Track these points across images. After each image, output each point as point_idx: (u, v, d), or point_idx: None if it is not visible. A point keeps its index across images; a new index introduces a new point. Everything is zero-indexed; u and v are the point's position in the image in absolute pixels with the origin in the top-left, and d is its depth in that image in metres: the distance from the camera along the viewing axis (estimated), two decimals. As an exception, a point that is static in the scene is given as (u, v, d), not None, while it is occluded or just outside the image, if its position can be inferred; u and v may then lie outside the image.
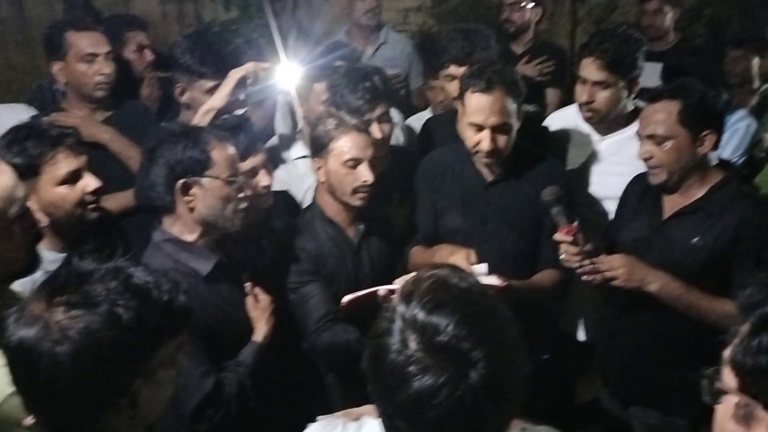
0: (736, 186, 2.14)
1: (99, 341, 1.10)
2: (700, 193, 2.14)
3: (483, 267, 2.12)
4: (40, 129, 1.99)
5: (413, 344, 1.01)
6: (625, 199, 2.39)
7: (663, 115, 2.10)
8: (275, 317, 2.05)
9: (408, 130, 3.39)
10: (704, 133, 2.08)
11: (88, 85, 2.66)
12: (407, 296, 1.07)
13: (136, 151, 2.58)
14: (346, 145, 2.19)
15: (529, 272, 2.25)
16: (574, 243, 2.11)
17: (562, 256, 2.15)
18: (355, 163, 2.20)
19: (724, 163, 2.27)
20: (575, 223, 2.11)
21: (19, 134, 1.96)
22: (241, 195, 1.95)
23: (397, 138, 3.12)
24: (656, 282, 2.09)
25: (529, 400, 1.06)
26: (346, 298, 1.92)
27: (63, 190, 1.97)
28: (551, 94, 3.58)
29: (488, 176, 2.39)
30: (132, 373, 1.14)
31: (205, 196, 1.89)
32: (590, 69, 2.47)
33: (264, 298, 2.05)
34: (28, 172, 1.86)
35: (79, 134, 2.07)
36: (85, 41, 2.64)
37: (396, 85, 3.53)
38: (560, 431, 1.27)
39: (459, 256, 2.17)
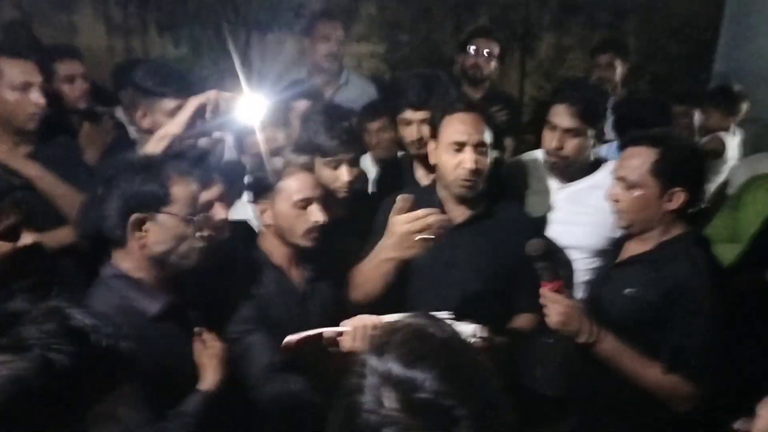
0: (687, 245, 2.07)
1: (28, 391, 0.96)
2: (654, 244, 2.09)
3: (472, 328, 1.98)
4: None
5: (389, 402, 0.93)
6: None
7: (638, 161, 2.06)
8: (226, 365, 1.91)
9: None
10: (674, 189, 2.03)
11: (19, 116, 2.47)
12: (379, 348, 0.98)
13: (65, 189, 2.46)
14: (295, 185, 2.11)
15: (490, 318, 2.17)
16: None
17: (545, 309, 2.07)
18: (306, 203, 2.11)
19: (691, 217, 2.19)
20: (560, 279, 2.05)
21: None
22: (199, 234, 1.84)
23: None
24: (588, 337, 2.03)
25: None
26: (289, 338, 1.77)
27: None
28: (505, 142, 3.59)
29: (456, 218, 2.30)
30: (65, 427, 1.01)
31: (159, 232, 1.77)
32: (562, 116, 2.46)
33: (214, 345, 1.92)
34: None
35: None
36: (17, 69, 2.47)
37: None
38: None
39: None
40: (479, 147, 2.21)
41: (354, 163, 2.43)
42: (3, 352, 0.98)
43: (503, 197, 2.44)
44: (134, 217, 1.75)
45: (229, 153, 2.82)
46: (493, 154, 2.27)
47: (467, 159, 2.19)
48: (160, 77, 2.40)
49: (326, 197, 2.20)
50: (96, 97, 3.27)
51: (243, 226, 2.39)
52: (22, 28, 4.71)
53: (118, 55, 5.26)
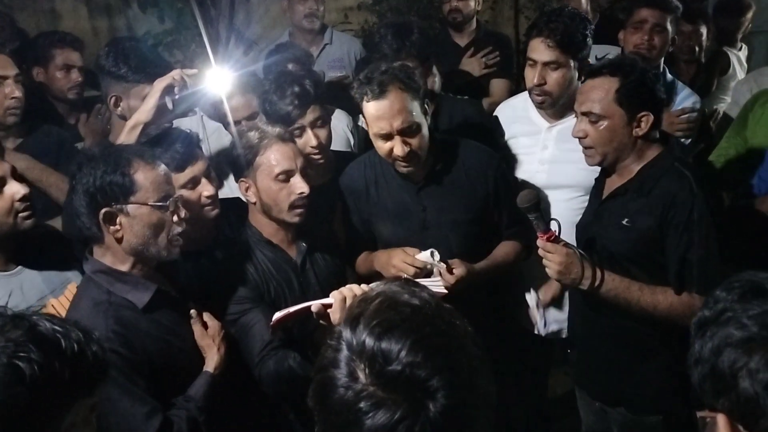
0: (669, 162, 2.03)
1: None
2: (634, 172, 2.06)
3: (428, 254, 2.05)
4: None
5: (363, 376, 0.89)
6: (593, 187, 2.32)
7: (600, 92, 2.01)
8: (227, 344, 1.90)
9: (359, 132, 3.28)
10: (641, 114, 1.99)
11: None
12: (353, 320, 0.94)
13: (56, 178, 2.44)
14: (273, 158, 2.04)
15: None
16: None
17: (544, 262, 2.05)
18: (287, 175, 2.05)
19: (664, 137, 2.15)
20: (554, 228, 2.00)
21: None
22: (176, 219, 1.79)
23: (348, 140, 3.00)
24: (590, 281, 2.00)
25: (504, 401, 0.95)
26: (276, 315, 1.74)
27: None
28: (498, 85, 3.49)
29: (417, 179, 2.27)
30: None
31: (132, 224, 1.73)
32: (540, 49, 2.38)
33: (213, 325, 1.90)
34: None
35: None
36: None
37: (345, 86, 3.40)
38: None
39: (398, 257, 2.12)
40: (405, 131, 2.08)
41: (318, 125, 2.35)
42: None
43: (463, 141, 2.36)
44: (104, 211, 1.70)
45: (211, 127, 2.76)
46: (426, 129, 2.15)
47: (397, 146, 2.10)
48: (134, 61, 2.30)
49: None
50: (91, 83, 3.20)
51: (236, 203, 2.36)
52: (4, 17, 4.62)
53: (102, 37, 5.18)
